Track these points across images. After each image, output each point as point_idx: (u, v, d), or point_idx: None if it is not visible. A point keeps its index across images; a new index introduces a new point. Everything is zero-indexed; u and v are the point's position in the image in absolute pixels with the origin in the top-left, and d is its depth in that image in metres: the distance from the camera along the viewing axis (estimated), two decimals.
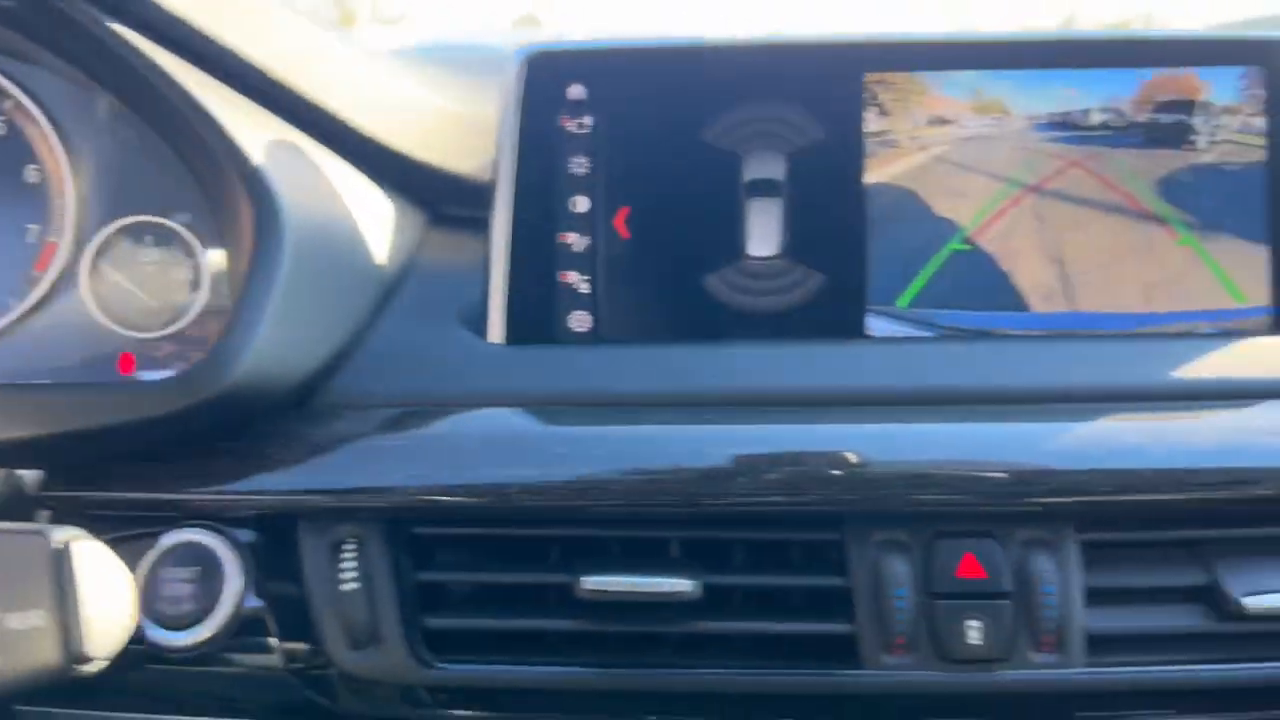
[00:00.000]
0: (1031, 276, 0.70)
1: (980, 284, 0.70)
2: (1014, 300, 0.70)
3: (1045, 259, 0.70)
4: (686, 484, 0.60)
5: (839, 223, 0.70)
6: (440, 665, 0.62)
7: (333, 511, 0.62)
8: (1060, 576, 0.60)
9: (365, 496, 0.61)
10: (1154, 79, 0.71)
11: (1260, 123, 0.70)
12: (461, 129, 0.76)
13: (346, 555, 0.61)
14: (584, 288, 0.70)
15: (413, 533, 0.62)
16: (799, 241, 0.70)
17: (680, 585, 0.59)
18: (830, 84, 0.71)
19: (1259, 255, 0.70)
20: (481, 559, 0.64)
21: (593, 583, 0.59)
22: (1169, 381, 0.65)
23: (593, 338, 0.69)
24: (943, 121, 0.71)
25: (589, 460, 0.60)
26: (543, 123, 0.70)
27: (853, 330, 0.69)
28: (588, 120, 0.70)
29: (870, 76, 0.71)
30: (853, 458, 0.60)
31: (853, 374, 0.66)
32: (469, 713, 0.63)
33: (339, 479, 0.61)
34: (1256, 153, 0.70)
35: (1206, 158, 0.70)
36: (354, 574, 0.61)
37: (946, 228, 0.70)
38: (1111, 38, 0.71)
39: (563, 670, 0.61)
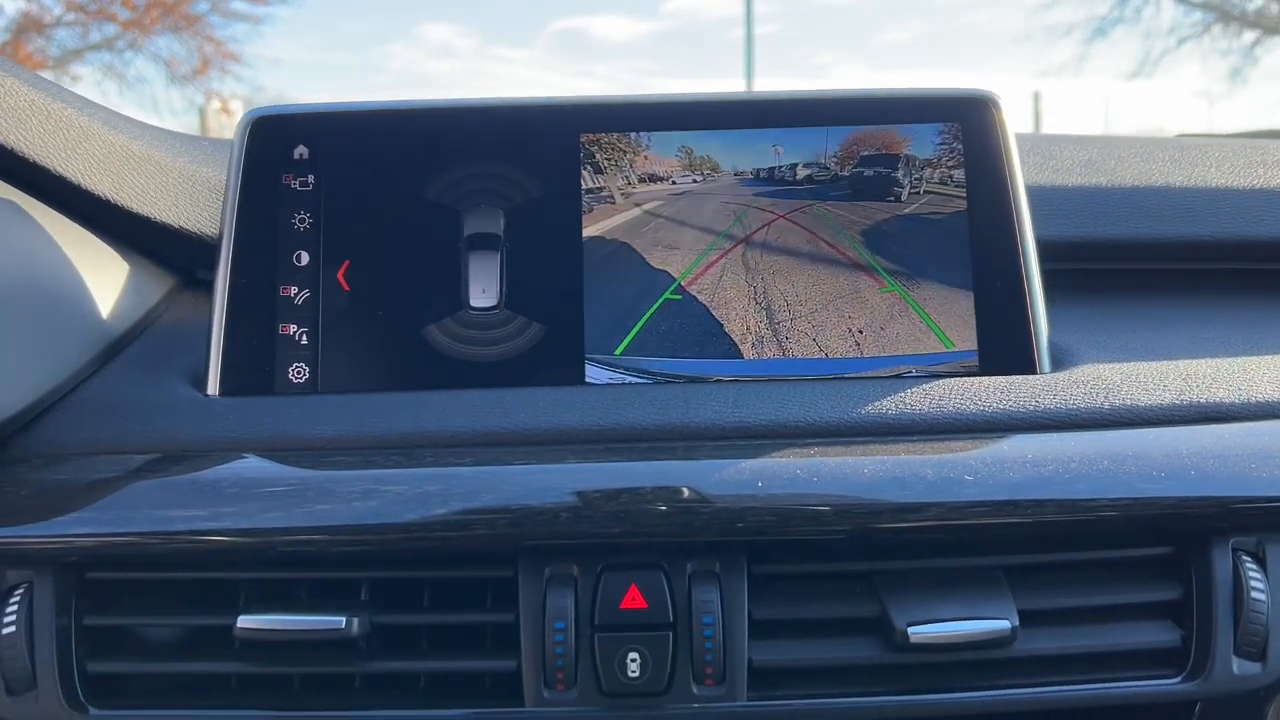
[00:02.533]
0: (742, 325, 0.71)
1: (693, 332, 0.71)
2: (727, 347, 0.71)
3: (756, 307, 0.72)
4: (357, 524, 0.60)
5: (557, 275, 0.72)
6: (95, 711, 0.60)
7: (7, 556, 0.61)
8: (724, 608, 0.60)
9: (39, 541, 0.61)
10: (857, 135, 0.74)
11: (959, 175, 0.73)
12: (216, 194, 0.78)
13: (12, 600, 0.61)
14: (304, 340, 0.71)
15: (86, 577, 0.62)
16: (519, 294, 0.72)
17: (334, 623, 0.59)
18: (548, 144, 0.73)
19: (963, 301, 0.71)
20: (159, 603, 0.63)
21: (247, 622, 0.59)
22: (867, 420, 0.66)
23: (310, 388, 0.70)
24: (655, 178, 0.74)
25: (262, 503, 0.60)
26: (266, 181, 0.72)
27: (572, 378, 0.70)
28: (310, 178, 0.73)
29: (585, 137, 0.73)
30: (520, 493, 0.60)
31: (563, 416, 0.67)
32: None
33: (14, 524, 0.61)
34: (957, 204, 0.73)
35: (909, 209, 0.73)
36: (14, 619, 0.60)
37: (660, 279, 0.72)
38: (815, 96, 0.74)
39: (223, 714, 0.60)
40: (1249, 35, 13.13)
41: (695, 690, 0.60)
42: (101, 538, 0.61)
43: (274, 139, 0.73)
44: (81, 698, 0.61)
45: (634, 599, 0.60)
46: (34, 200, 0.71)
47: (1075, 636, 0.62)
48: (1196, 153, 0.91)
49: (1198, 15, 13.41)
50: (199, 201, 0.78)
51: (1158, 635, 0.63)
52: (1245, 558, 0.63)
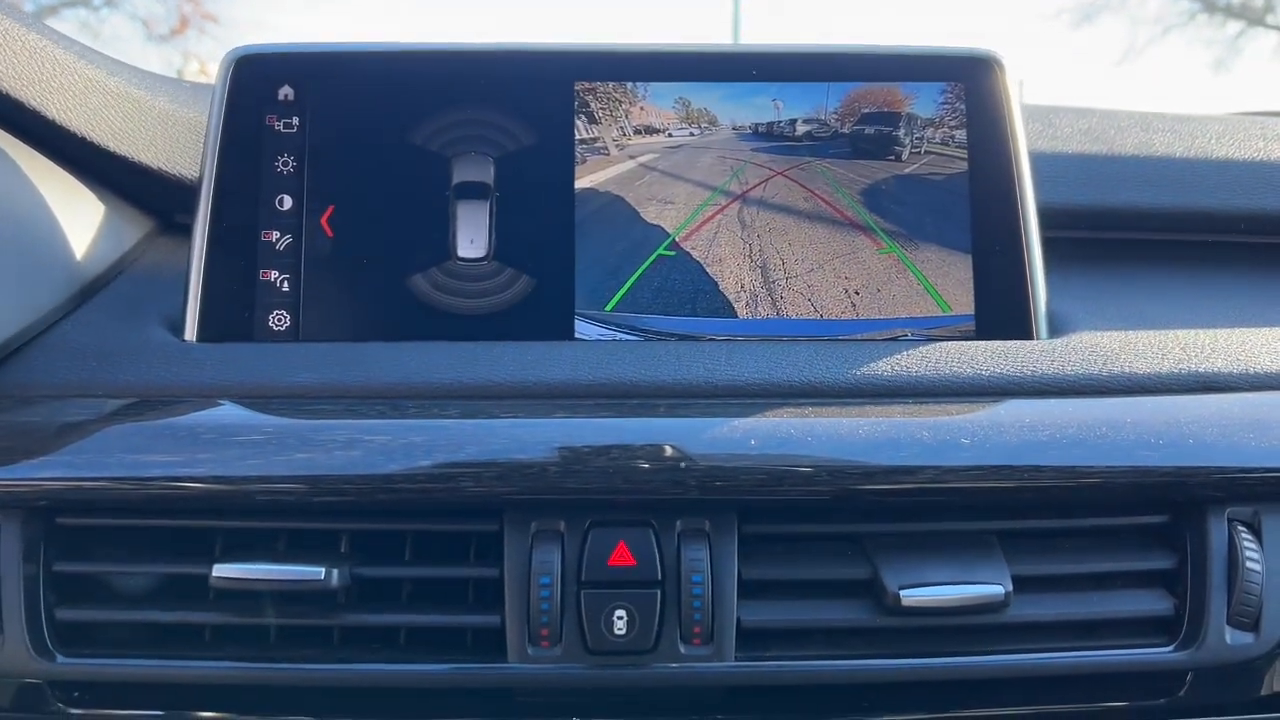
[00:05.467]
0: (737, 282, 0.70)
1: (686, 289, 0.70)
2: (720, 306, 0.69)
3: (751, 266, 0.70)
4: (338, 474, 0.58)
5: (548, 227, 0.70)
6: (63, 659, 0.59)
7: None
8: (713, 567, 0.59)
9: (7, 484, 0.58)
10: (858, 92, 0.72)
11: (961, 136, 0.71)
12: (196, 136, 0.76)
13: None
14: (285, 286, 0.69)
15: (56, 522, 0.60)
16: (508, 245, 0.70)
17: (312, 574, 0.57)
18: (541, 91, 0.71)
19: (961, 265, 0.70)
20: (132, 551, 0.61)
21: (223, 571, 0.57)
22: (862, 381, 0.65)
23: (290, 335, 0.68)
24: (651, 130, 0.72)
25: (240, 450, 0.58)
26: (249, 122, 0.70)
27: (561, 333, 0.69)
28: (295, 120, 0.70)
29: (580, 85, 0.71)
30: (506, 446, 0.58)
31: (552, 370, 0.65)
32: (102, 710, 0.60)
33: None
34: (958, 165, 0.71)
35: (910, 169, 0.72)
36: None
37: (654, 234, 0.70)
38: (816, 51, 0.72)
39: (196, 665, 0.58)
40: (1233, 26, 13.15)
41: (682, 649, 0.59)
42: (73, 482, 0.59)
43: (258, 78, 0.70)
44: (49, 645, 0.59)
45: (622, 556, 0.59)
46: (7, 135, 0.68)
47: (1068, 603, 0.62)
48: (1196, 125, 0.90)
49: (1184, 4, 13.41)
50: (179, 142, 0.76)
51: (1151, 604, 0.62)
52: (1241, 528, 0.62)
